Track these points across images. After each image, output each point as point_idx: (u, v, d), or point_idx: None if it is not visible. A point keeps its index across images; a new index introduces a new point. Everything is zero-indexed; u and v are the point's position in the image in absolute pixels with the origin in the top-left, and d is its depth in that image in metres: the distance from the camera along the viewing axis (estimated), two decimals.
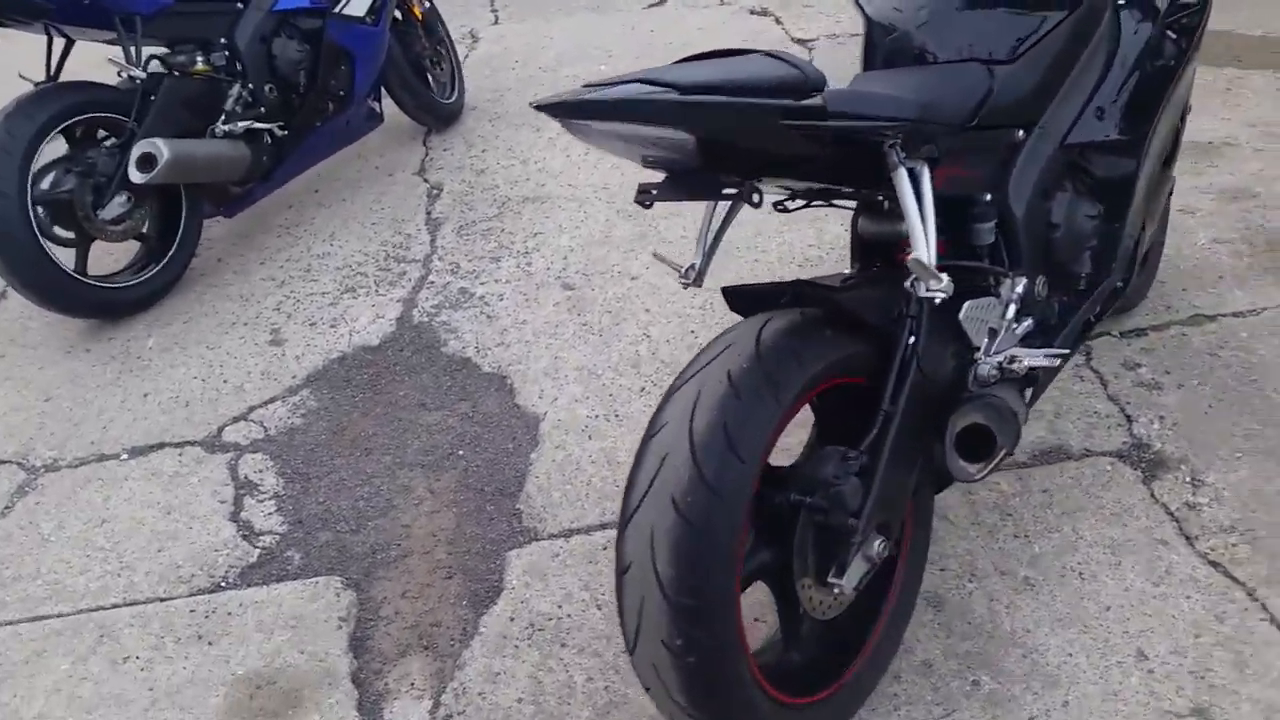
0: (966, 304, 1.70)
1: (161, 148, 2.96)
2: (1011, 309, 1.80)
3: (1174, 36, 2.08)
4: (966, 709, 1.79)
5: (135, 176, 2.98)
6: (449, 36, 4.35)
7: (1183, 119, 2.27)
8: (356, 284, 3.27)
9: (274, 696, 1.97)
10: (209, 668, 2.04)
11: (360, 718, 1.91)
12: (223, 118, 3.29)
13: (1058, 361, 1.90)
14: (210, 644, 2.09)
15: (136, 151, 2.96)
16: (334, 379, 2.86)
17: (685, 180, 1.45)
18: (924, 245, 1.54)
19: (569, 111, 1.26)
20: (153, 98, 3.09)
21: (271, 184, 3.54)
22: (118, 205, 3.07)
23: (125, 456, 2.66)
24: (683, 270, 1.71)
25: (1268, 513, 2.10)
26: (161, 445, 2.68)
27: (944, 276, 1.55)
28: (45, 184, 2.97)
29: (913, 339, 1.61)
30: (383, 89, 3.92)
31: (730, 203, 1.68)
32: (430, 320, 3.05)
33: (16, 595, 2.27)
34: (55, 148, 3.04)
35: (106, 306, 3.17)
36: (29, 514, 2.50)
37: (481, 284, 3.19)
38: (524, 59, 4.90)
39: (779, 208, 1.76)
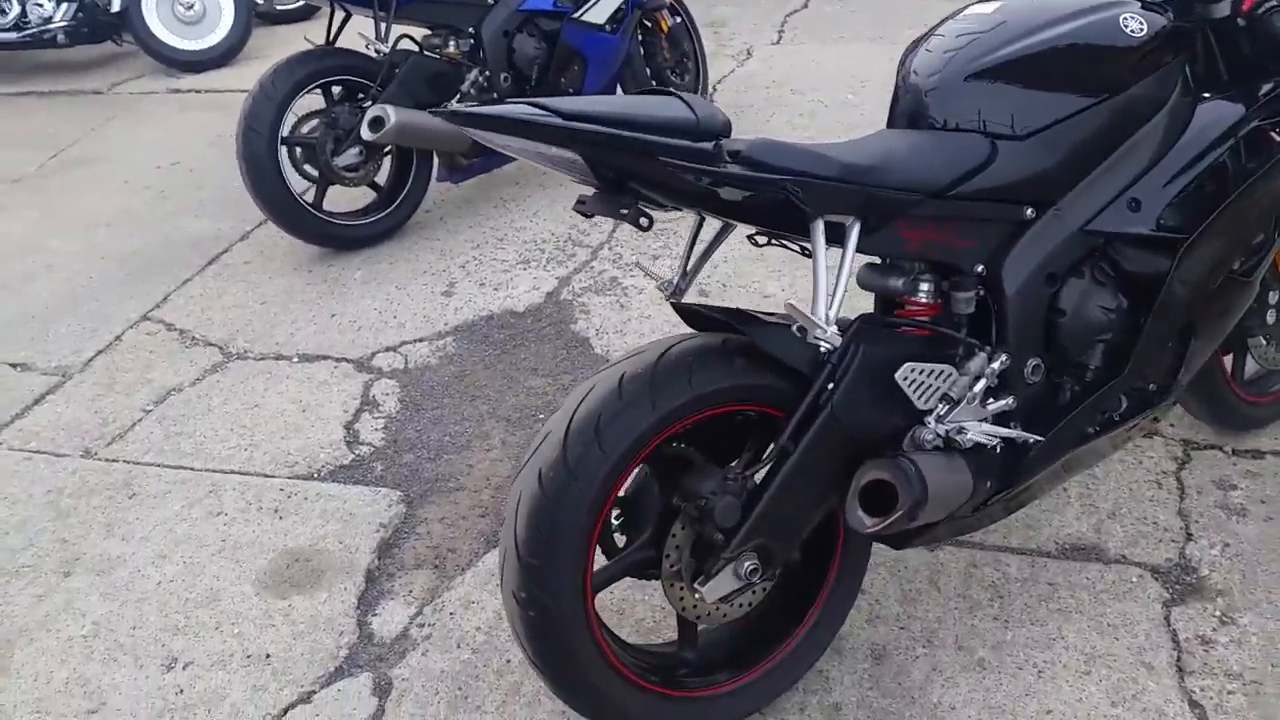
0: (906, 365, 1.72)
1: (390, 113, 3.46)
2: (980, 383, 1.79)
3: (1274, 138, 1.93)
4: None
5: (365, 134, 3.51)
6: (699, 51, 4.62)
7: None
8: (532, 257, 3.64)
9: (304, 571, 2.35)
10: (270, 536, 2.46)
11: (357, 605, 2.25)
12: (457, 97, 3.77)
13: (1032, 447, 1.86)
14: (281, 518, 2.52)
15: (370, 114, 3.49)
16: (476, 333, 3.24)
17: (605, 198, 1.61)
18: (823, 297, 1.60)
19: (465, 121, 1.47)
20: (398, 71, 3.63)
21: (494, 162, 3.99)
22: (351, 155, 3.63)
23: (295, 359, 3.18)
24: (662, 283, 1.86)
25: None
26: (325, 357, 3.18)
27: (829, 328, 1.60)
28: (300, 129, 3.59)
29: (831, 385, 1.68)
30: (620, 91, 4.27)
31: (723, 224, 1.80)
32: (574, 299, 3.35)
33: (172, 445, 2.82)
34: (317, 101, 3.66)
35: (332, 239, 3.76)
36: (210, 388, 3.07)
37: (631, 276, 3.44)
38: (781, 80, 5.08)
39: (753, 240, 1.86)
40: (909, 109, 1.83)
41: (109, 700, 2.07)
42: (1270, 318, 2.28)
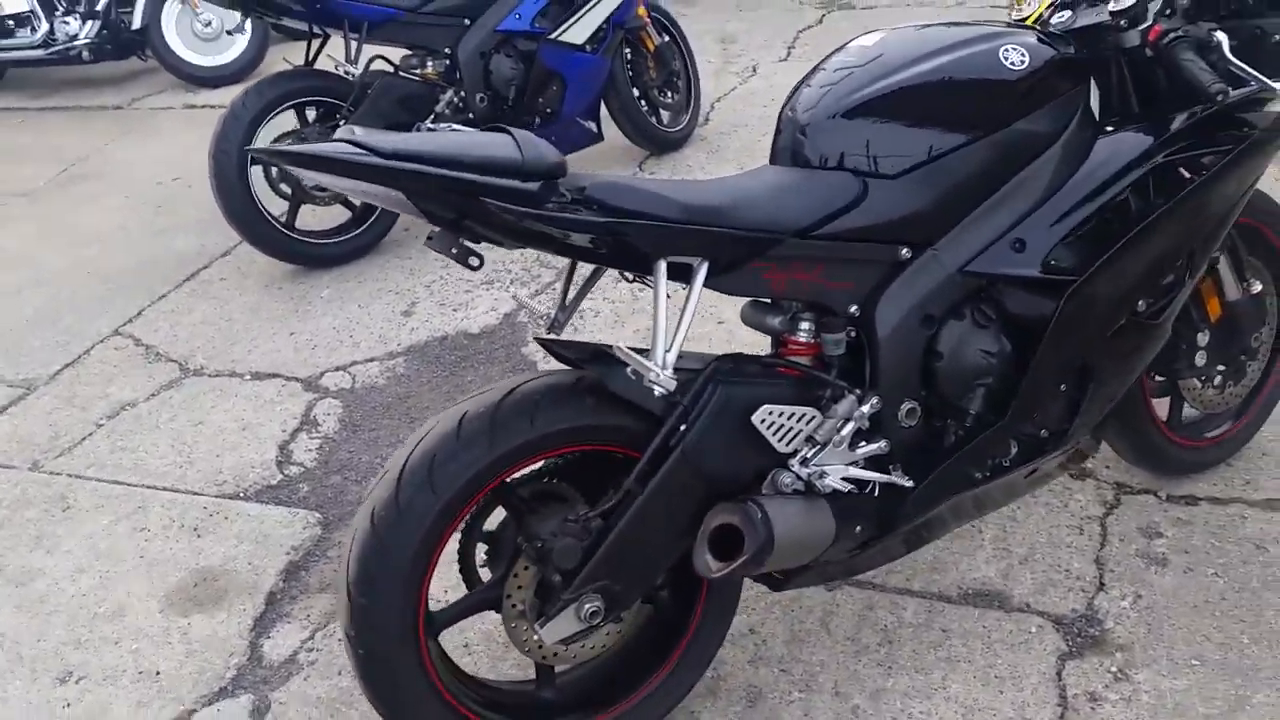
0: (763, 408, 1.67)
1: (356, 133, 3.48)
2: (849, 426, 1.74)
3: (1182, 174, 1.85)
4: None
5: None
6: (690, 69, 4.59)
7: (1214, 273, 2.00)
8: (497, 278, 3.64)
9: (209, 590, 2.37)
10: (185, 554, 2.49)
11: (253, 627, 2.26)
12: (431, 117, 3.80)
13: (910, 491, 1.80)
14: (199, 536, 2.54)
15: (339, 134, 3.51)
16: (428, 354, 3.25)
17: (445, 236, 1.59)
18: (660, 339, 1.56)
19: (285, 161, 1.46)
20: (370, 92, 3.66)
21: None
22: None
23: (247, 377, 3.22)
24: (542, 317, 1.83)
25: None
26: (276, 375, 3.22)
27: (664, 371, 1.55)
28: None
29: (683, 427, 1.64)
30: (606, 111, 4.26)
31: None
32: (528, 321, 3.34)
33: (114, 460, 2.87)
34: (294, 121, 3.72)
35: (304, 257, 3.81)
36: (161, 404, 3.13)
37: (590, 300, 3.42)
38: (781, 98, 5.02)
39: (624, 276, 1.82)
40: (786, 145, 1.79)
41: None
42: (1199, 359, 2.18)
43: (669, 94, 4.51)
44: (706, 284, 1.68)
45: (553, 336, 1.74)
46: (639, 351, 1.57)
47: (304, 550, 2.47)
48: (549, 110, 4.02)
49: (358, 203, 3.91)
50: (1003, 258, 1.78)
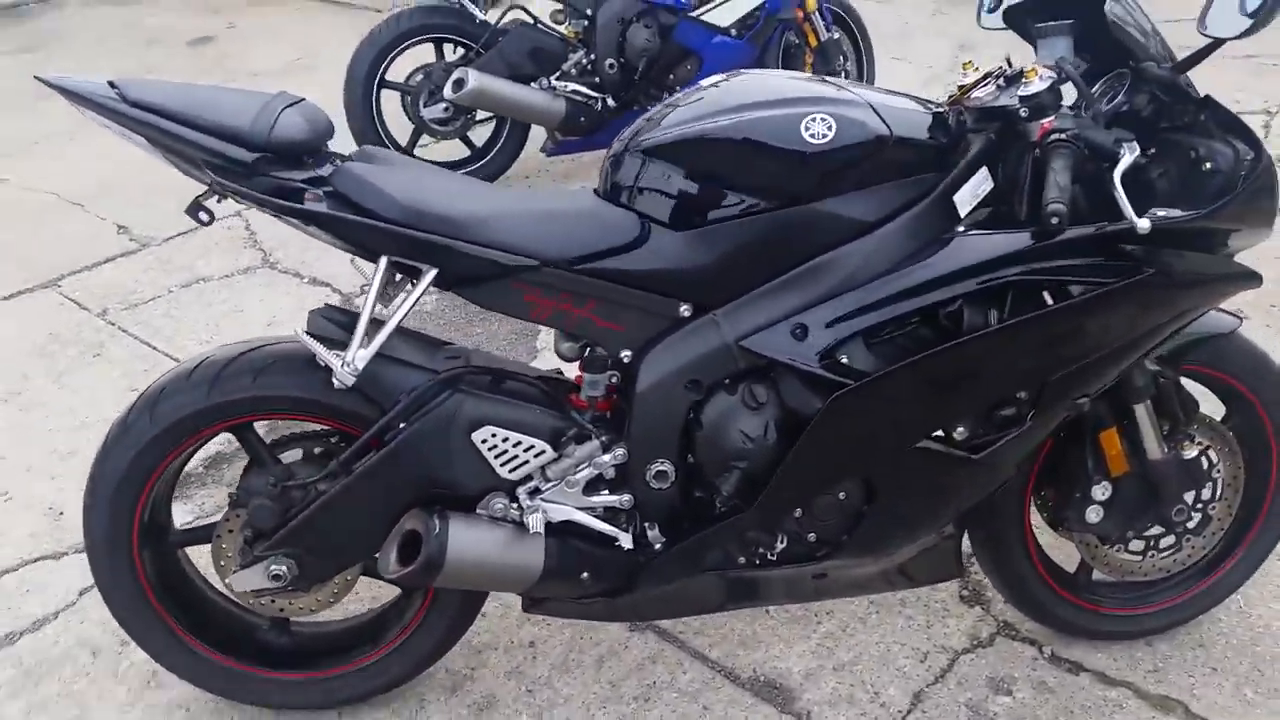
0: (486, 428, 1.64)
1: (471, 77, 3.64)
2: (585, 471, 1.68)
3: (1044, 299, 1.60)
4: None
5: (448, 92, 3.72)
6: (866, 70, 4.36)
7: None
8: None
9: None
10: None
11: None
12: (556, 74, 3.87)
13: (657, 556, 1.72)
14: None
15: (455, 74, 3.69)
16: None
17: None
18: (358, 334, 1.59)
19: (59, 89, 1.57)
20: (501, 38, 3.79)
21: (592, 144, 4.05)
22: (438, 109, 3.87)
23: (305, 280, 3.50)
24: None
25: None
26: (326, 284, 3.47)
27: (347, 366, 1.58)
28: (401, 77, 3.87)
29: (404, 424, 1.65)
30: None
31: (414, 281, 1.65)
32: None
33: (159, 325, 3.25)
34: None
35: None
36: (226, 286, 3.47)
37: None
38: None
39: None
40: (601, 172, 1.72)
41: None
42: (1091, 515, 1.87)
43: None
44: (462, 294, 1.68)
45: (327, 307, 1.78)
46: (328, 343, 1.61)
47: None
48: (678, 89, 3.97)
49: (481, 143, 4.09)
50: (780, 341, 1.62)
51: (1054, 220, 1.46)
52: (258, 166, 1.55)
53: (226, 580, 1.75)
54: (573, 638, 2.09)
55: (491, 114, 4.00)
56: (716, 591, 1.81)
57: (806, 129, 1.57)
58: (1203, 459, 1.91)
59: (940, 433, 1.70)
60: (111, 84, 1.56)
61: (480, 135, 4.15)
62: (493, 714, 1.94)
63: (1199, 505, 1.96)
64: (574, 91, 3.88)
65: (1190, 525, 1.95)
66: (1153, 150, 1.67)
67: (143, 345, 3.14)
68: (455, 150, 4.15)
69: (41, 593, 2.21)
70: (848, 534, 1.74)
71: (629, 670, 2.03)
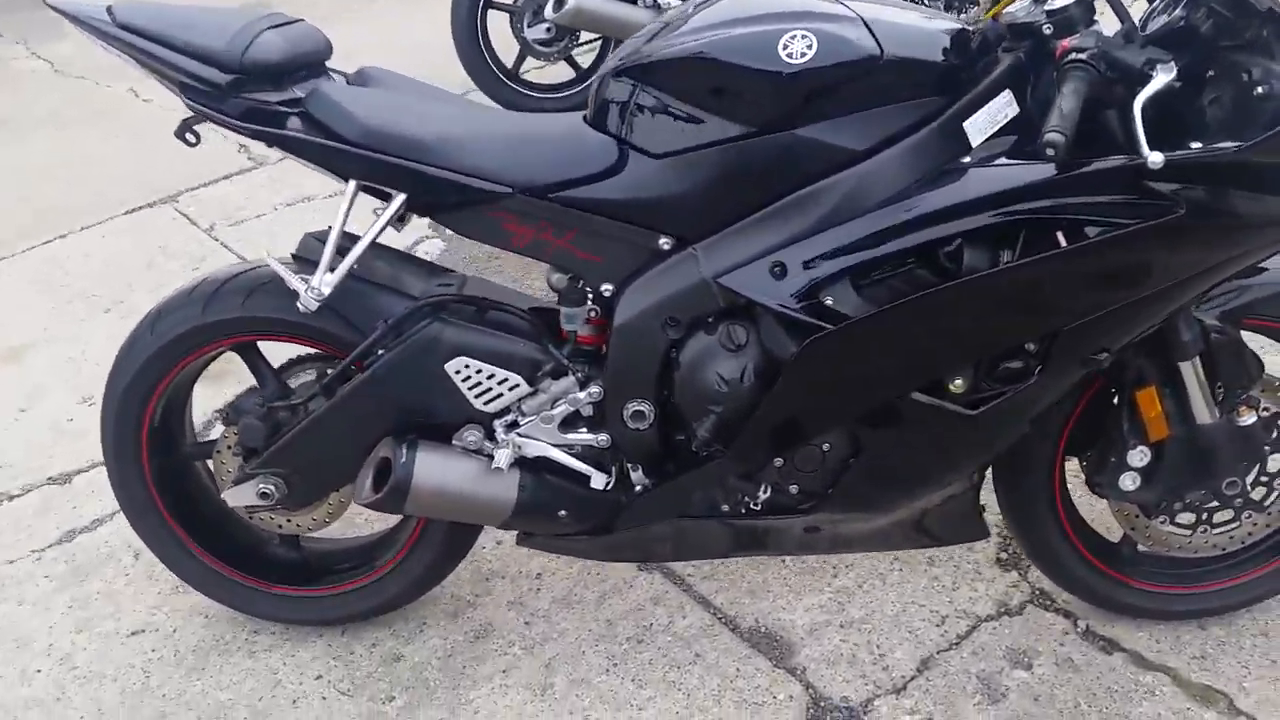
0: (460, 359, 1.61)
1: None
2: (560, 407, 1.63)
3: (1056, 239, 1.41)
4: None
5: (548, 11, 3.65)
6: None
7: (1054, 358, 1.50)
8: None
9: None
10: None
11: None
12: None
13: (636, 496, 1.68)
14: None
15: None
16: None
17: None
18: (325, 257, 1.58)
19: (65, 14, 1.60)
20: None
21: None
22: (541, 30, 3.82)
23: None
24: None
25: None
26: None
27: (312, 290, 1.58)
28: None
29: (381, 350, 1.65)
30: None
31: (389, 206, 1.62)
32: None
33: (256, 240, 3.38)
34: None
35: (518, 107, 4.00)
36: (325, 205, 3.57)
37: None
38: None
39: None
40: (591, 95, 1.64)
41: None
42: (1128, 482, 1.68)
43: None
44: (440, 221, 1.65)
45: (321, 230, 1.77)
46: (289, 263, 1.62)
47: None
48: None
49: (587, 65, 4.02)
50: (758, 279, 1.50)
51: (1050, 151, 1.28)
52: (233, 88, 1.55)
53: (222, 495, 1.82)
54: (580, 572, 2.07)
55: (596, 35, 3.92)
56: (705, 537, 1.75)
57: (784, 47, 1.43)
58: (1265, 426, 1.68)
59: (942, 384, 1.56)
60: (109, 8, 1.59)
61: (588, 59, 4.08)
62: (487, 642, 1.95)
63: (1264, 477, 1.73)
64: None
65: (1250, 499, 1.73)
66: (1211, 73, 1.45)
67: (239, 260, 3.28)
68: (563, 73, 4.09)
69: (104, 495, 2.36)
70: (826, 489, 1.63)
71: (629, 610, 1.99)
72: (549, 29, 3.81)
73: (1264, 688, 1.77)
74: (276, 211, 3.58)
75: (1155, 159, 1.29)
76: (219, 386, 2.38)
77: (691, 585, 2.03)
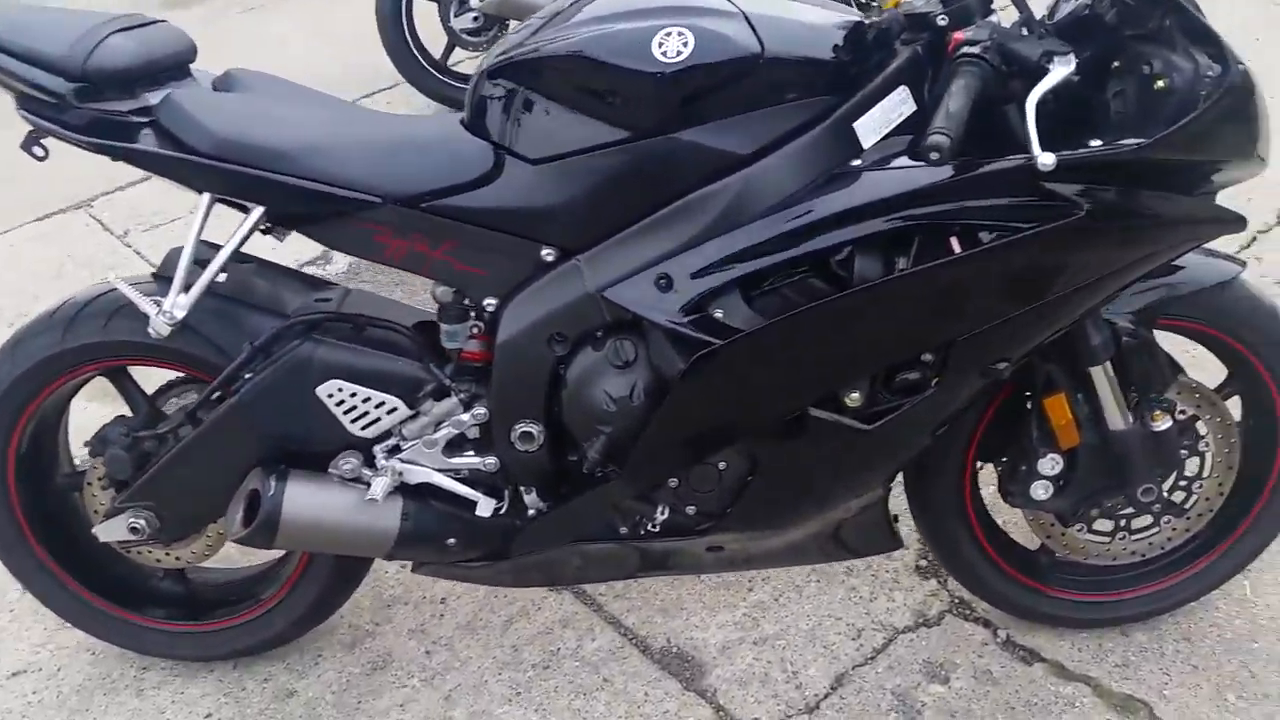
0: (331, 382, 1.52)
1: None
2: (444, 430, 1.54)
3: (950, 244, 1.34)
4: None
5: (474, 0, 3.54)
6: None
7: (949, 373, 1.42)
8: None
9: None
10: None
11: None
12: None
13: (530, 521, 1.59)
14: None
15: None
16: None
17: None
18: (178, 278, 1.48)
19: None
20: None
21: None
22: (468, 19, 3.69)
23: None
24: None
25: None
26: None
27: (164, 314, 1.49)
28: None
29: (249, 374, 1.55)
30: None
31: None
32: None
33: None
34: None
35: (447, 100, 3.87)
36: None
37: None
38: None
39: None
40: (467, 96, 1.54)
41: None
42: (1039, 491, 1.62)
43: None
44: (307, 233, 1.55)
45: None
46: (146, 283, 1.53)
47: None
48: None
49: None
50: (643, 292, 1.41)
51: (933, 155, 1.20)
52: (76, 98, 1.45)
53: (92, 530, 1.71)
54: (486, 595, 1.98)
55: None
56: (609, 559, 1.67)
57: (659, 45, 1.34)
58: (1182, 430, 1.62)
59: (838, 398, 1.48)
60: None
61: None
62: (385, 674, 1.86)
63: (1182, 483, 1.67)
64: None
65: (1171, 503, 1.67)
66: (1116, 65, 1.38)
67: (151, 269, 3.14)
68: None
69: None
70: (725, 508, 1.55)
71: (536, 633, 1.91)
72: (476, 18, 3.68)
73: (1184, 695, 1.71)
74: (193, 215, 3.43)
75: (1046, 160, 1.22)
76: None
77: (603, 605, 1.95)
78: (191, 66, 1.60)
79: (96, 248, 3.30)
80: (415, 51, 3.79)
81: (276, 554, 1.84)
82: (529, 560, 1.65)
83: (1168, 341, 1.61)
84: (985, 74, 1.27)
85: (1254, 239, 2.41)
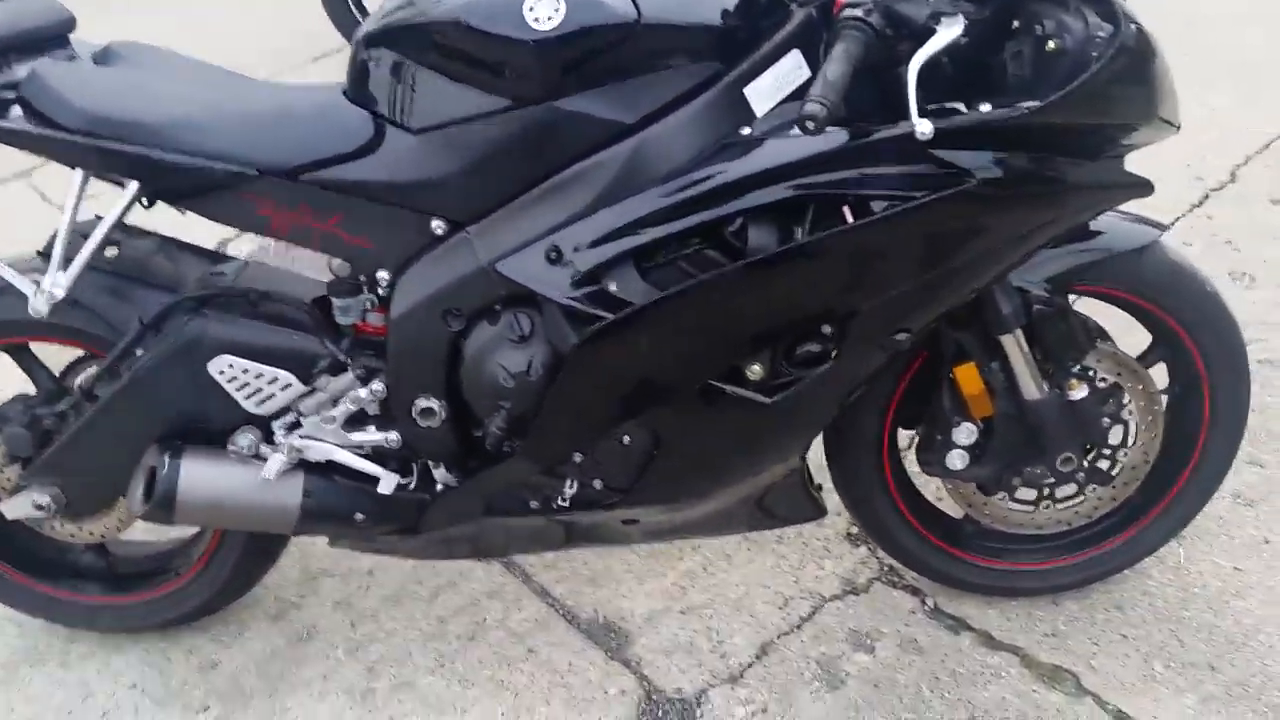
0: (222, 358, 1.48)
1: None
2: (342, 406, 1.51)
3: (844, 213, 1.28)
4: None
5: None
6: None
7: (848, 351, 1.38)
8: None
9: None
10: None
11: None
12: None
13: (438, 496, 1.56)
14: None
15: None
16: None
17: None
18: (55, 259, 1.45)
19: None
20: None
21: None
22: None
23: None
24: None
25: None
26: None
27: (36, 293, 1.45)
28: None
29: (140, 353, 1.52)
30: None
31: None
32: None
33: None
34: None
35: None
36: None
37: None
38: None
39: None
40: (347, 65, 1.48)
41: None
42: (955, 461, 1.58)
43: None
44: (189, 208, 1.51)
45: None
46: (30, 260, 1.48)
47: None
48: None
49: None
50: (534, 265, 1.37)
51: (809, 125, 1.14)
52: None
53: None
54: (414, 568, 1.96)
55: None
56: (526, 532, 1.64)
57: (530, 10, 1.28)
58: (1102, 398, 1.57)
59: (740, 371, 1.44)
60: None
61: None
62: (309, 646, 1.85)
63: (1106, 451, 1.63)
64: None
65: (1096, 471, 1.63)
66: (1016, 25, 1.31)
67: None
68: None
69: None
70: (632, 481, 1.52)
71: (463, 605, 1.89)
72: None
73: (1112, 664, 1.69)
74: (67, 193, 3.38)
75: (924, 128, 1.16)
76: None
77: (531, 576, 1.93)
78: (72, 38, 1.54)
79: (37, 219, 3.26)
80: (355, 11, 3.70)
81: (190, 529, 1.83)
82: (455, 533, 1.63)
83: (1093, 310, 1.56)
84: (868, 38, 1.21)
85: (1206, 197, 2.33)
